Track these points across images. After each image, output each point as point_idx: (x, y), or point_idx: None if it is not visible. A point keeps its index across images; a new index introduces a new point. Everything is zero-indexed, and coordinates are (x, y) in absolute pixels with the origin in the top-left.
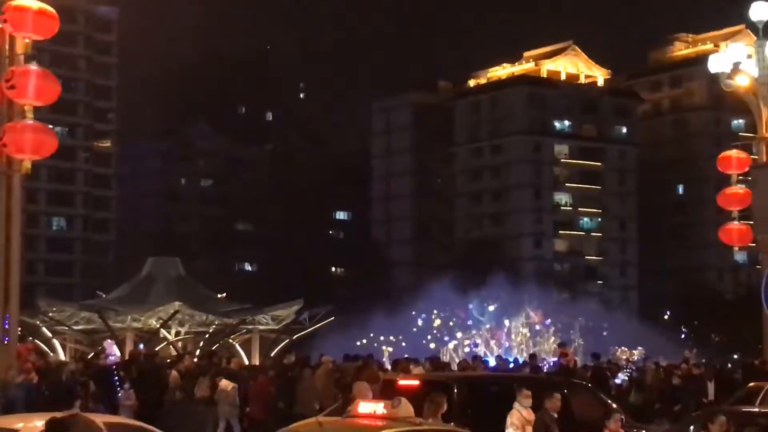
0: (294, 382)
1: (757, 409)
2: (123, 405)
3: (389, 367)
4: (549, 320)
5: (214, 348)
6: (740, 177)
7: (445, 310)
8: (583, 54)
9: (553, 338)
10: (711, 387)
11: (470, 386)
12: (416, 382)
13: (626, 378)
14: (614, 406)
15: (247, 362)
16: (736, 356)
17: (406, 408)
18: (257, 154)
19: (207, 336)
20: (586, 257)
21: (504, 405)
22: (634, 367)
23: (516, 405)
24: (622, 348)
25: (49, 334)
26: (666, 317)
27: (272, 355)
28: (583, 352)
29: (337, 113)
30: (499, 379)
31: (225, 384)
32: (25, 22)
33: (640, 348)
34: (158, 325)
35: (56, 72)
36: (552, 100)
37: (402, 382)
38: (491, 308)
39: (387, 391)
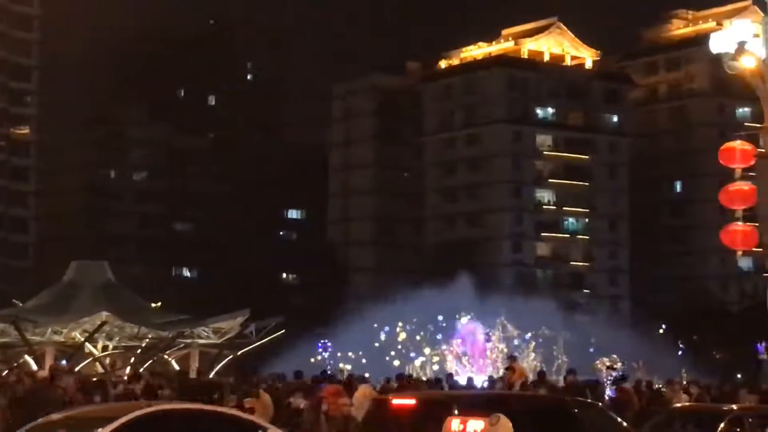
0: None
1: None
2: None
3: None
4: (529, 334)
5: (146, 365)
6: (744, 172)
7: (411, 322)
8: (569, 32)
9: (533, 354)
10: None
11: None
12: (412, 402)
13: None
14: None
15: None
16: (739, 375)
17: (505, 425)
18: (199, 143)
19: (139, 351)
20: (572, 263)
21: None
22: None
23: None
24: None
25: None
26: (661, 331)
27: (214, 372)
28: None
29: (292, 98)
30: (502, 398)
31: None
32: None
33: (614, 356)
34: (83, 339)
35: None
36: (534, 84)
37: (396, 402)
38: (464, 320)
39: (380, 412)
